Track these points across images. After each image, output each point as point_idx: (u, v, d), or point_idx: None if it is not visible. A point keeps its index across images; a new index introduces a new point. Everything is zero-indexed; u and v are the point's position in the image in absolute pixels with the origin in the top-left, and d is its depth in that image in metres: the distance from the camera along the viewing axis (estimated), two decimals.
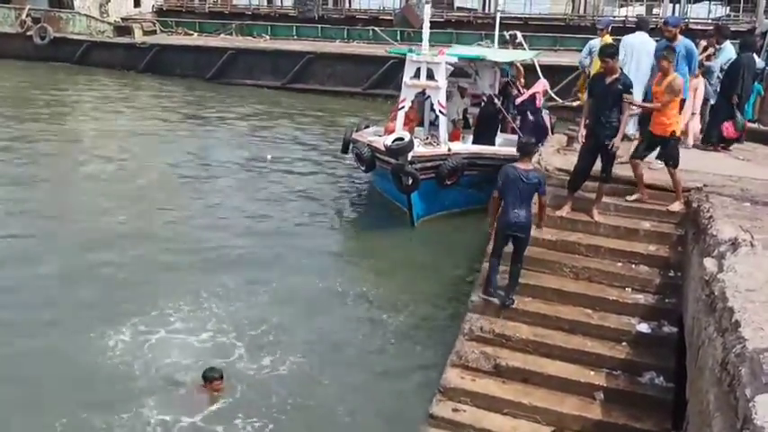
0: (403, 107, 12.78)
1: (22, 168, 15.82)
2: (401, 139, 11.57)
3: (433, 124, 13.65)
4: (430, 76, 12.58)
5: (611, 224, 8.24)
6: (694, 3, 32.90)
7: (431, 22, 14.43)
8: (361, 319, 9.32)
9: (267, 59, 28.07)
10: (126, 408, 7.13)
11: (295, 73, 27.28)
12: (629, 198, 8.51)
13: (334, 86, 26.77)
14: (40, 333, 8.50)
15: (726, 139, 10.67)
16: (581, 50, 13.85)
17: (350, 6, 35.33)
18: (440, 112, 12.65)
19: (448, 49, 14.53)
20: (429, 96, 12.94)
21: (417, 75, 12.70)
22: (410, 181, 11.64)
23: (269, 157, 17.62)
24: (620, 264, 7.83)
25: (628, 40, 11.08)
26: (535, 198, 7.59)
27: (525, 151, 7.56)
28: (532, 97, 13.46)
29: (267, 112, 23.72)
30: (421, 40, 13.41)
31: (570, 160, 9.58)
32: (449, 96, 13.42)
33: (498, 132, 13.48)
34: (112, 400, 7.26)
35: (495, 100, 13.41)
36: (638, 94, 11.04)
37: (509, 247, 7.60)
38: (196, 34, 31.93)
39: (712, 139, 10.72)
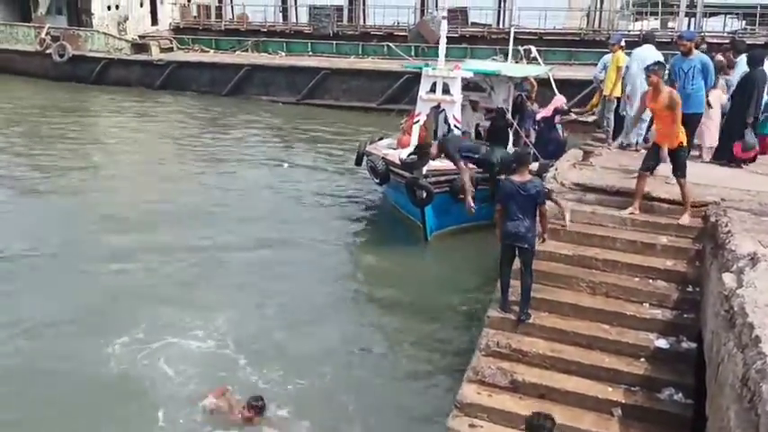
0: (418, 121, 12.82)
1: (41, 181, 16.03)
2: (416, 152, 11.63)
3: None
4: (446, 90, 12.64)
5: (627, 239, 8.18)
6: (710, 16, 32.85)
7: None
8: (375, 334, 9.31)
9: (282, 75, 28.36)
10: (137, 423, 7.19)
11: (310, 88, 27.51)
12: (623, 213, 8.46)
13: (348, 102, 26.96)
14: (49, 341, 8.66)
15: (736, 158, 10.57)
16: (596, 64, 13.89)
17: (364, 22, 35.59)
18: (454, 126, 12.68)
19: (463, 63, 14.59)
20: (443, 110, 12.98)
21: (433, 89, 12.75)
22: (424, 194, 11.67)
23: (285, 165, 17.93)
24: (637, 279, 7.76)
25: (638, 53, 11.09)
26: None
27: (521, 162, 7.50)
28: (554, 112, 13.47)
29: (282, 127, 23.92)
30: (435, 56, 13.49)
31: (586, 175, 9.58)
32: (461, 110, 13.46)
33: (510, 146, 13.46)
34: (120, 414, 7.32)
35: (507, 113, 13.40)
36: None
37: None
38: (212, 51, 32.32)
39: (726, 156, 10.59)
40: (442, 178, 12.00)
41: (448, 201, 12.13)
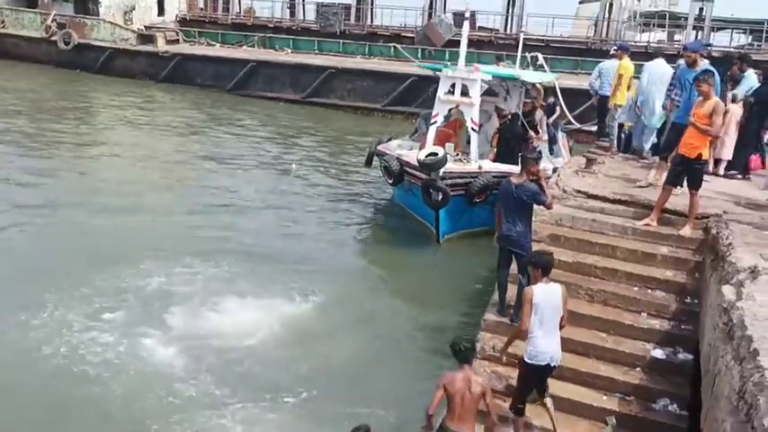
0: (435, 122, 12.68)
1: (33, 164, 15.98)
2: (435, 153, 11.50)
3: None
4: (464, 92, 12.50)
5: (628, 248, 8.17)
6: (717, 30, 32.88)
7: (451, 40, 14.53)
8: (376, 335, 9.24)
9: (288, 73, 28.30)
10: None
11: (315, 87, 27.45)
12: (638, 223, 8.44)
13: (353, 102, 26.92)
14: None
15: (749, 170, 10.60)
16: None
17: (372, 22, 35.55)
18: (472, 129, 12.54)
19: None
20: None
21: (452, 91, 12.61)
22: (440, 196, 11.53)
23: (293, 166, 17.71)
24: (636, 288, 7.76)
25: (651, 66, 11.11)
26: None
27: (523, 165, 7.52)
28: None
29: (287, 126, 23.85)
30: (442, 58, 13.44)
31: (588, 182, 9.57)
32: (488, 117, 13.37)
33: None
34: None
35: (521, 119, 13.31)
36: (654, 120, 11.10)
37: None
38: (218, 45, 32.24)
39: (737, 168, 10.60)
40: (459, 181, 11.87)
41: (462, 204, 12.01)
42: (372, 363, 8.55)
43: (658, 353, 7.14)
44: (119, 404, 7.30)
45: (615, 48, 12.57)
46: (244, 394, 7.59)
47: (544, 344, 6.12)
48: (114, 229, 12.12)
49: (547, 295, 6.12)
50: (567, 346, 7.29)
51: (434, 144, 12.38)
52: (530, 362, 6.17)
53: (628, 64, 11.80)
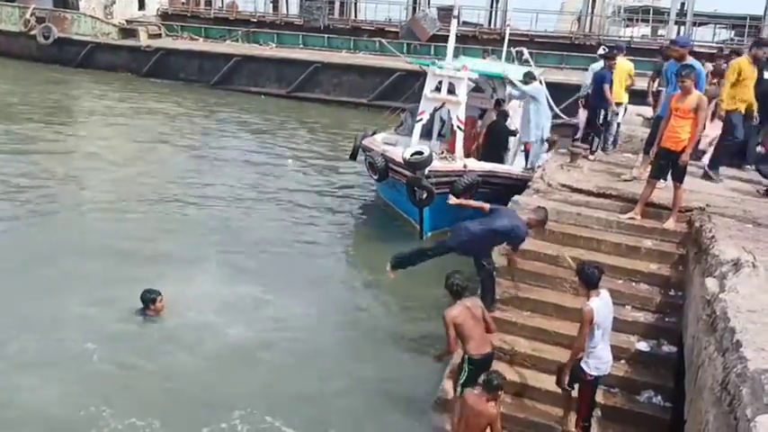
0: (421, 119, 12.62)
1: (20, 167, 15.59)
2: (420, 152, 11.45)
3: (441, 135, 13.59)
4: (451, 90, 12.46)
5: (612, 241, 8.22)
6: (699, 25, 33.10)
7: (436, 34, 14.47)
8: (362, 330, 9.19)
9: (272, 67, 28.16)
10: None
11: (300, 82, 27.36)
12: (622, 216, 8.49)
13: (339, 97, 26.85)
14: None
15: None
16: (587, 69, 13.91)
17: (356, 17, 35.43)
18: (458, 127, 12.51)
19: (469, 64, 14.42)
20: (447, 110, 12.80)
21: (438, 88, 12.52)
22: (424, 195, 11.52)
23: (290, 161, 17.71)
24: (620, 281, 7.80)
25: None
26: None
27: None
28: None
29: (272, 121, 23.69)
30: (427, 53, 13.40)
31: (573, 176, 9.62)
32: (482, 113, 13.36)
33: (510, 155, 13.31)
34: None
35: (509, 117, 13.26)
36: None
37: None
38: (201, 39, 32.00)
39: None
40: (444, 179, 11.81)
41: (446, 202, 11.99)
42: (352, 361, 8.43)
43: (643, 345, 7.20)
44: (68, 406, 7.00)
45: (605, 48, 12.63)
46: (221, 400, 7.36)
47: (606, 353, 6.14)
48: (89, 220, 12.07)
49: (604, 307, 6.05)
50: (554, 339, 7.38)
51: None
52: (596, 374, 6.12)
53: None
